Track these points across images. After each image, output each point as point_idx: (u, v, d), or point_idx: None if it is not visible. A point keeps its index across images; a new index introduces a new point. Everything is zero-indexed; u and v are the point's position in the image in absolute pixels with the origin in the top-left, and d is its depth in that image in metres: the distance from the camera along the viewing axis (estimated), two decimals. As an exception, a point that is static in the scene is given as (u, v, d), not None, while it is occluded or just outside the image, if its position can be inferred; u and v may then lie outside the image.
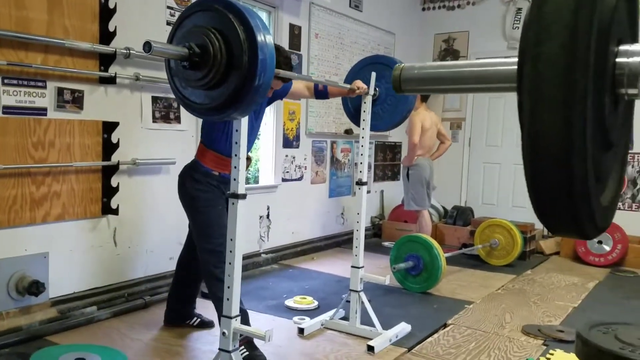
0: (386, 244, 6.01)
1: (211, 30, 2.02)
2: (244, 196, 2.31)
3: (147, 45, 1.88)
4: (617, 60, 0.74)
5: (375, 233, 6.66)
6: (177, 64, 2.11)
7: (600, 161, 0.75)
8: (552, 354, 3.09)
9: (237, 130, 2.31)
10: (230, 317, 2.32)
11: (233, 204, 2.30)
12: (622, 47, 0.75)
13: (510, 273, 5.10)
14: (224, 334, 2.33)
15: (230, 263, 2.33)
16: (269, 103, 3.14)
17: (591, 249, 5.58)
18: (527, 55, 0.63)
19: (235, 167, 2.31)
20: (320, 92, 3.29)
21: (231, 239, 2.32)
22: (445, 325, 3.60)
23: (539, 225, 6.46)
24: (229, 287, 2.33)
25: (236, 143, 2.31)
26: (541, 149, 0.64)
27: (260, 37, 1.99)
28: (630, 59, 0.74)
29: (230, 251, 2.33)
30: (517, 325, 3.62)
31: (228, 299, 2.33)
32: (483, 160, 7.07)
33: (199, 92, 2.13)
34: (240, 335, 2.72)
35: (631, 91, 0.74)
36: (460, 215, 6.49)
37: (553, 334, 3.38)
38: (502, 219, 5.65)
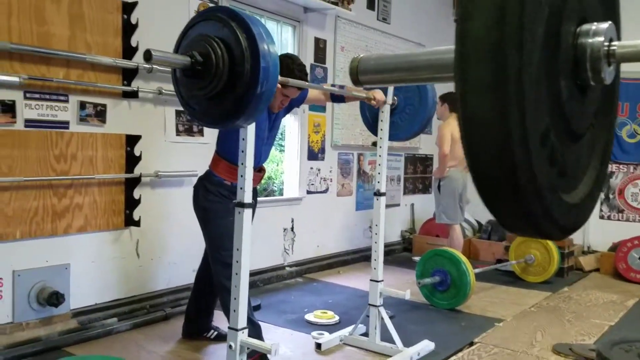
0: (416, 258, 5.82)
1: (214, 39, 2.01)
2: (249, 205, 2.28)
3: (147, 54, 1.88)
4: (579, 41, 0.66)
5: (406, 247, 6.52)
6: (182, 74, 2.11)
7: (564, 153, 0.67)
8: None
9: (243, 139, 2.28)
10: (237, 330, 2.28)
11: (239, 213, 2.27)
12: (585, 27, 0.66)
13: (546, 290, 4.88)
14: (230, 346, 2.29)
15: (237, 273, 2.30)
16: (286, 112, 3.11)
17: (632, 265, 5.29)
18: (456, 33, 0.57)
19: (241, 176, 2.28)
20: (337, 97, 3.25)
21: (237, 249, 2.28)
22: (471, 344, 3.45)
23: (578, 241, 6.20)
24: (235, 299, 2.29)
25: (242, 151, 2.28)
26: (475, 138, 0.57)
27: (262, 45, 1.96)
28: (593, 39, 0.66)
29: (237, 261, 2.29)
30: (548, 344, 3.43)
31: (235, 311, 2.29)
32: (519, 173, 6.84)
33: (202, 100, 2.12)
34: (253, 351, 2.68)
35: (595, 75, 0.66)
36: (496, 230, 6.28)
37: (585, 353, 3.19)
38: (537, 233, 5.43)
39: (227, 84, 2.01)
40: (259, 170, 3.01)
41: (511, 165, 0.55)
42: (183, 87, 2.18)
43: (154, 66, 3.56)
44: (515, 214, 0.61)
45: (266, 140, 2.97)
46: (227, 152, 2.93)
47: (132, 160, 3.62)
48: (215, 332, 3.34)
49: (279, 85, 2.82)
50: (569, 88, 0.65)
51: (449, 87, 6.34)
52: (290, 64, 2.75)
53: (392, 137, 3.27)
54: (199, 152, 4.08)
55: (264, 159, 3.07)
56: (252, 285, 4.19)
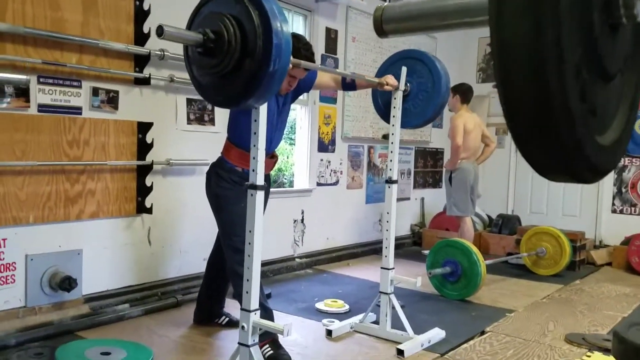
0: (426, 252, 5.80)
1: (226, 17, 2.00)
2: (262, 187, 2.26)
3: (160, 30, 1.88)
4: (612, -25, 0.65)
5: (415, 241, 6.50)
6: (194, 52, 2.11)
7: (596, 92, 0.66)
8: (589, 356, 2.87)
9: (255, 121, 2.27)
10: (249, 311, 2.27)
11: (252, 195, 2.26)
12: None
13: (558, 283, 4.84)
14: (242, 327, 2.28)
15: (249, 255, 2.29)
16: (294, 97, 3.10)
17: (646, 259, 5.24)
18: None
19: (254, 158, 2.27)
20: (348, 84, 3.20)
21: (250, 231, 2.28)
22: (482, 333, 3.43)
23: (589, 235, 6.15)
24: (248, 280, 2.29)
25: (255, 133, 2.27)
26: (509, 61, 0.56)
27: (274, 22, 1.95)
28: (626, -26, 0.64)
29: (249, 243, 2.28)
30: (561, 333, 3.41)
31: (247, 292, 2.29)
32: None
33: (215, 79, 2.11)
34: (266, 333, 2.68)
35: (627, 11, 0.64)
36: (506, 224, 6.25)
37: (599, 342, 3.15)
38: (550, 226, 5.39)
39: (239, 62, 2.00)
40: (271, 156, 3.00)
41: (545, 88, 0.54)
42: (195, 66, 2.18)
43: (166, 53, 3.56)
44: (546, 144, 0.60)
45: (276, 125, 2.96)
46: (238, 138, 2.92)
47: (143, 148, 3.63)
48: (227, 318, 3.34)
49: None
50: (601, 24, 0.63)
51: (458, 78, 6.31)
52: (295, 43, 2.71)
53: (404, 124, 3.25)
54: (210, 141, 4.08)
55: (275, 145, 3.05)
56: (262, 275, 4.16)
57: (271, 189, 3.75)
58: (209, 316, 3.34)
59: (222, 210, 2.94)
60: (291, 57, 2.25)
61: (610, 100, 0.72)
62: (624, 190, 6.17)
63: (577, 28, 0.59)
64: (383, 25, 0.79)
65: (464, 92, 5.15)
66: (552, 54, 0.54)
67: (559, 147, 0.59)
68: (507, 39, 0.56)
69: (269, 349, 2.78)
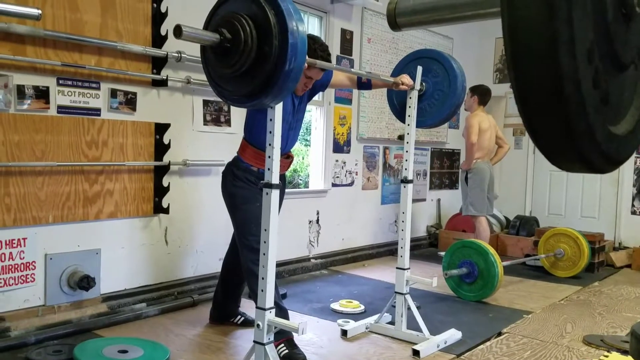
0: (442, 253, 5.79)
1: (243, 16, 2.02)
2: (277, 186, 2.28)
3: (178, 30, 1.90)
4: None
5: (432, 243, 6.47)
6: (211, 53, 2.13)
7: (609, 80, 0.65)
8: (606, 356, 2.83)
9: (270, 120, 2.29)
10: (265, 309, 2.28)
11: (267, 193, 2.28)
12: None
13: (576, 284, 4.79)
14: (258, 326, 2.29)
15: (264, 254, 2.30)
16: (309, 97, 3.11)
17: (667, 261, 5.15)
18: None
19: (269, 157, 2.29)
20: (363, 83, 3.21)
21: (265, 230, 2.29)
22: (499, 334, 3.40)
23: (609, 237, 6.07)
24: (263, 279, 2.30)
25: (270, 132, 2.29)
26: (522, 41, 0.55)
27: (290, 22, 1.97)
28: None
29: (265, 242, 2.29)
30: (579, 335, 3.37)
31: (262, 291, 2.30)
32: (550, 169, 6.71)
33: (231, 79, 2.13)
34: (281, 332, 2.69)
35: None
36: (524, 225, 6.19)
37: (617, 344, 3.11)
38: (568, 227, 5.33)
39: (255, 61, 2.02)
40: (286, 156, 3.01)
41: (557, 68, 0.54)
42: (212, 66, 2.20)
43: (183, 54, 3.60)
44: (557, 129, 0.59)
45: (292, 125, 2.97)
46: (255, 137, 2.93)
47: (161, 148, 3.67)
48: (242, 318, 3.36)
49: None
50: (614, 11, 0.63)
51: (475, 79, 6.28)
52: (311, 44, 2.73)
53: (420, 124, 3.24)
54: (226, 141, 4.11)
55: (291, 145, 3.06)
56: (278, 275, 4.19)
57: (286, 190, 3.77)
58: (225, 316, 3.36)
59: (237, 209, 2.96)
60: (307, 57, 2.27)
61: (624, 91, 0.72)
62: (644, 191, 6.07)
63: (590, 12, 0.59)
64: (396, 19, 0.80)
65: (482, 94, 5.15)
66: (564, 35, 0.54)
67: (568, 131, 0.59)
68: (518, 19, 0.56)
69: (285, 348, 2.79)
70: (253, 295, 2.89)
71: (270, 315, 2.29)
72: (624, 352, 3.00)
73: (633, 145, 0.74)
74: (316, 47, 2.70)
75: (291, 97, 2.88)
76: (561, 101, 0.55)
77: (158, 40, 3.57)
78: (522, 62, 0.57)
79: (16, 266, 3.03)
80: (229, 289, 3.35)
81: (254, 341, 2.30)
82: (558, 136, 0.60)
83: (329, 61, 2.88)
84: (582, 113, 0.57)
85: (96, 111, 3.32)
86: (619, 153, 0.68)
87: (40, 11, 2.70)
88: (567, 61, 0.53)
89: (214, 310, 3.39)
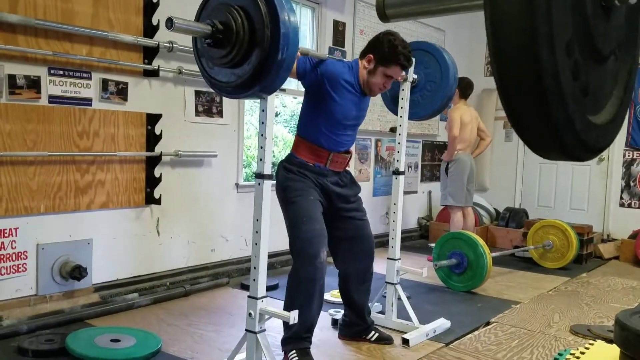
0: (432, 245, 5.84)
1: (234, 7, 2.03)
2: (269, 176, 2.29)
3: (170, 22, 1.91)
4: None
5: (422, 234, 6.51)
6: (203, 44, 2.14)
7: (588, 71, 0.68)
8: (591, 344, 2.88)
9: (263, 111, 2.30)
10: (256, 298, 2.30)
11: (259, 184, 2.30)
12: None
13: (564, 275, 4.85)
14: (250, 314, 2.32)
15: (256, 244, 2.32)
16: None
17: (654, 252, 5.23)
18: None
19: (261, 148, 2.30)
20: None
21: (257, 220, 2.31)
22: (488, 323, 3.46)
23: (597, 228, 6.14)
24: (255, 268, 2.32)
25: (262, 123, 2.30)
26: (502, 36, 0.58)
27: (281, 11, 1.98)
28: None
29: (257, 232, 2.31)
30: (566, 325, 3.42)
31: (254, 280, 2.32)
32: (539, 161, 6.76)
33: (224, 70, 2.14)
34: (293, 342, 2.66)
35: (621, -7, 0.66)
36: (513, 217, 6.24)
37: (604, 334, 3.17)
38: (557, 219, 5.39)
39: (247, 52, 2.04)
40: (345, 152, 2.91)
41: (536, 62, 0.56)
42: (204, 57, 2.21)
43: (174, 45, 3.59)
44: (538, 119, 0.62)
45: (353, 121, 2.89)
46: (309, 132, 2.81)
47: (152, 139, 3.67)
48: (376, 334, 3.11)
49: (380, 66, 2.74)
50: (593, 4, 0.65)
51: (466, 72, 6.30)
52: (392, 41, 2.72)
53: (412, 116, 3.27)
54: (218, 133, 4.13)
55: (350, 142, 2.95)
56: (270, 266, 4.22)
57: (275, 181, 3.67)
58: (357, 332, 3.13)
59: (288, 202, 2.76)
60: (300, 46, 2.26)
61: (604, 82, 0.74)
62: (632, 184, 6.14)
63: (569, 6, 0.61)
64: (385, 10, 0.82)
65: (463, 88, 5.20)
66: (543, 29, 0.56)
67: (549, 121, 0.61)
68: (499, 13, 0.58)
69: (296, 356, 2.69)
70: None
71: (262, 304, 2.32)
72: (610, 341, 3.05)
73: (613, 134, 0.77)
74: (397, 43, 2.71)
75: (358, 93, 2.82)
76: (541, 93, 0.58)
77: (149, 30, 3.56)
78: (503, 56, 0.60)
79: (8, 256, 3.03)
80: (349, 300, 3.15)
81: (246, 330, 2.33)
82: (538, 126, 0.63)
83: (410, 60, 2.80)
84: (561, 104, 0.59)
85: (87, 101, 3.32)
86: (598, 142, 0.71)
87: None
88: (546, 55, 0.56)
89: (343, 328, 3.18)
